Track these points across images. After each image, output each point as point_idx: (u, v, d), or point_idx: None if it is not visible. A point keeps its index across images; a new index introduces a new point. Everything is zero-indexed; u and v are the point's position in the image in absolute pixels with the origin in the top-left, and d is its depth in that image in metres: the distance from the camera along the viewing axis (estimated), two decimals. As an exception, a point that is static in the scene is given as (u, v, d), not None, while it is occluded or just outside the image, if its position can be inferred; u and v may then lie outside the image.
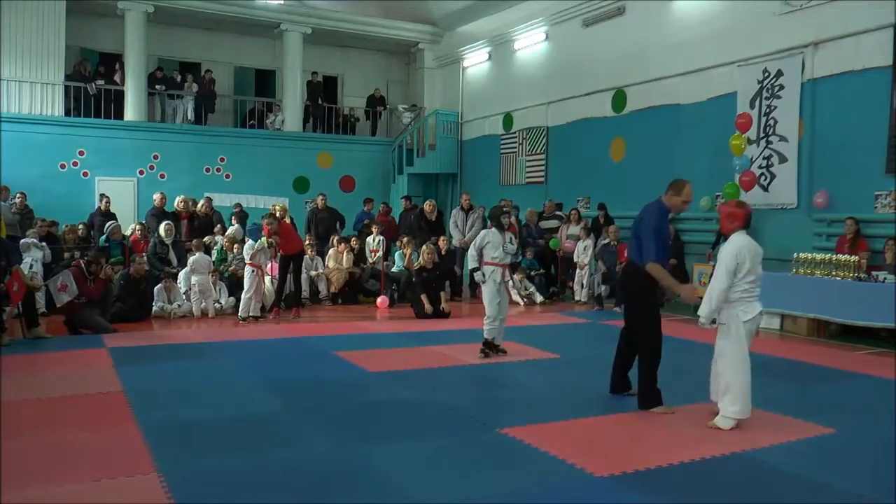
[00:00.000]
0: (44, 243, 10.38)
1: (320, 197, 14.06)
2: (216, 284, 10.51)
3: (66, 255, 10.99)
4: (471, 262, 7.54)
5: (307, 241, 11.78)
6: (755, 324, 5.02)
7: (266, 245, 10.04)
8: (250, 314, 9.88)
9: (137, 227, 11.62)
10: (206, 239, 11.58)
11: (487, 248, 7.39)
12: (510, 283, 10.23)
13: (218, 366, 7.00)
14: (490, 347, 7.48)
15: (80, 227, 12.08)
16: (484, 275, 7.42)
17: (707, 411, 5.44)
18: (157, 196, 12.80)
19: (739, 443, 4.66)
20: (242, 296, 9.94)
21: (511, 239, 7.54)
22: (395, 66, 20.86)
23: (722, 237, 5.32)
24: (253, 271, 9.86)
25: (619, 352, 5.82)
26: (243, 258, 10.13)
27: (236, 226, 12.06)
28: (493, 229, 7.47)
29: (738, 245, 4.96)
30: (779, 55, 10.82)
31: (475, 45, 18.08)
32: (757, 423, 5.03)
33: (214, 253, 11.29)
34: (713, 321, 5.05)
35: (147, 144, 16.64)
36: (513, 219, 12.65)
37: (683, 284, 6.05)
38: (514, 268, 11.23)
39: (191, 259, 10.32)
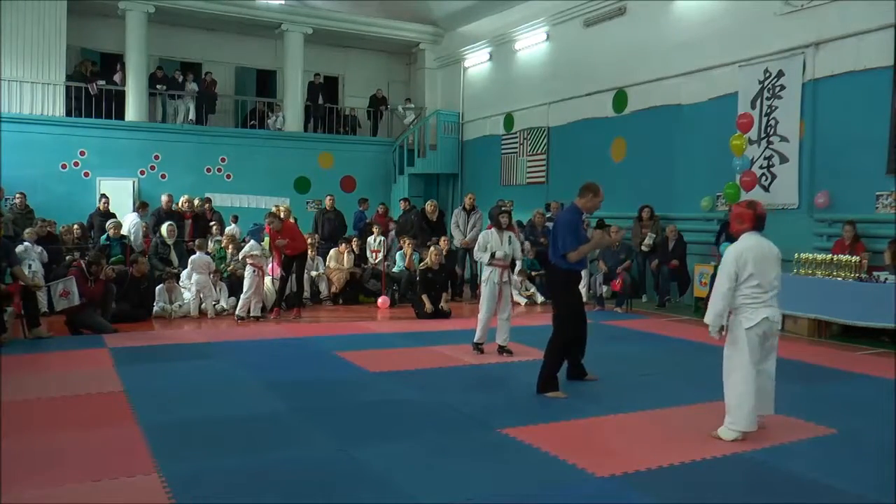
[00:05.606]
0: (39, 247, 10.36)
1: (328, 198, 14.07)
2: (216, 285, 10.51)
3: (67, 257, 10.99)
4: (485, 259, 7.61)
5: (309, 241, 11.77)
6: (761, 330, 4.68)
7: (266, 249, 10.04)
8: (250, 314, 9.88)
9: (143, 227, 11.62)
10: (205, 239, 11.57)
11: (489, 249, 7.57)
12: (513, 282, 10.24)
13: (219, 366, 7.00)
14: (476, 349, 7.67)
15: (76, 226, 12.09)
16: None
17: (706, 412, 5.44)
18: (164, 198, 12.81)
19: (740, 443, 4.65)
20: (241, 295, 9.95)
21: (511, 238, 7.61)
22: (396, 67, 20.84)
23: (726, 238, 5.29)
24: (254, 271, 9.87)
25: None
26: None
27: (233, 226, 12.00)
28: (492, 230, 7.61)
29: (740, 248, 4.71)
30: (780, 55, 10.81)
31: (476, 46, 18.07)
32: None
33: (213, 252, 11.28)
34: (721, 328, 4.75)
35: (148, 145, 16.64)
36: (513, 220, 12.72)
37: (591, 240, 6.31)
38: (512, 267, 11.24)
39: (191, 258, 10.33)
